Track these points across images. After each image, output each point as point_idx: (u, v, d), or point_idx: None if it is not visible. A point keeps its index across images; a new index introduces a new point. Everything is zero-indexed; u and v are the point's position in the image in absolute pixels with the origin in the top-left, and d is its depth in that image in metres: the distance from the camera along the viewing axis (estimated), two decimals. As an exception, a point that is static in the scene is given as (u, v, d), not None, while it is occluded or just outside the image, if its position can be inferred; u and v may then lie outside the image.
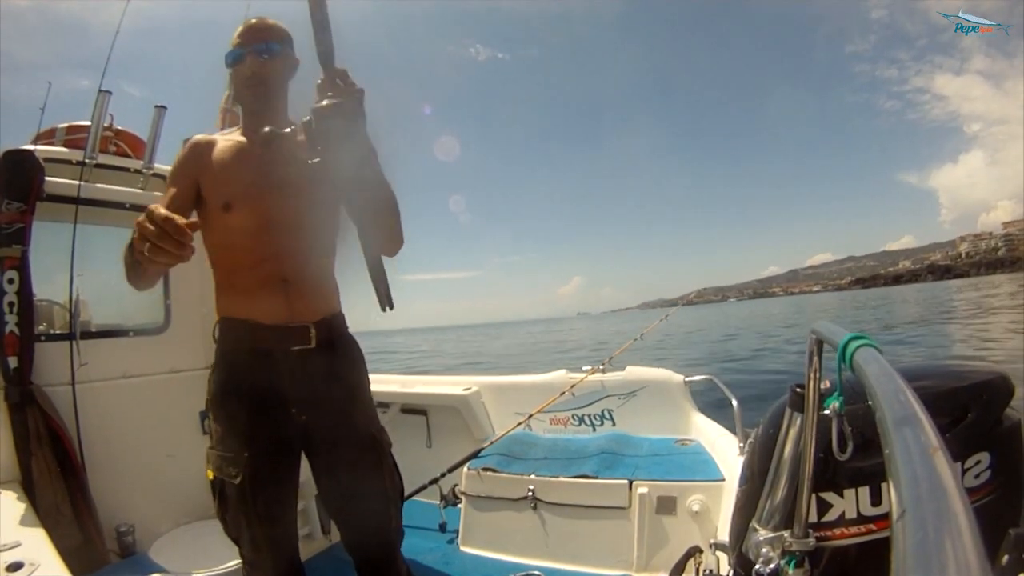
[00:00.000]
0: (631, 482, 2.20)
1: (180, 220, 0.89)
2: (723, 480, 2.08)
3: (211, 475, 1.24)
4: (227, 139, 1.33)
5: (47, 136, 2.46)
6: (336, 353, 1.32)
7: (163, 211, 0.89)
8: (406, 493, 1.48)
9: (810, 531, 0.89)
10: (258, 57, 1.25)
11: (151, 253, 0.90)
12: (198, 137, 1.34)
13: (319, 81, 1.01)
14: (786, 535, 0.91)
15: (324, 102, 0.98)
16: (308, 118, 0.99)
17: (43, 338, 1.94)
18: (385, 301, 1.12)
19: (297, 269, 1.27)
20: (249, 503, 1.21)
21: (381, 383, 3.34)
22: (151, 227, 0.89)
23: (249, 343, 1.25)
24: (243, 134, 1.32)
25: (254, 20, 1.30)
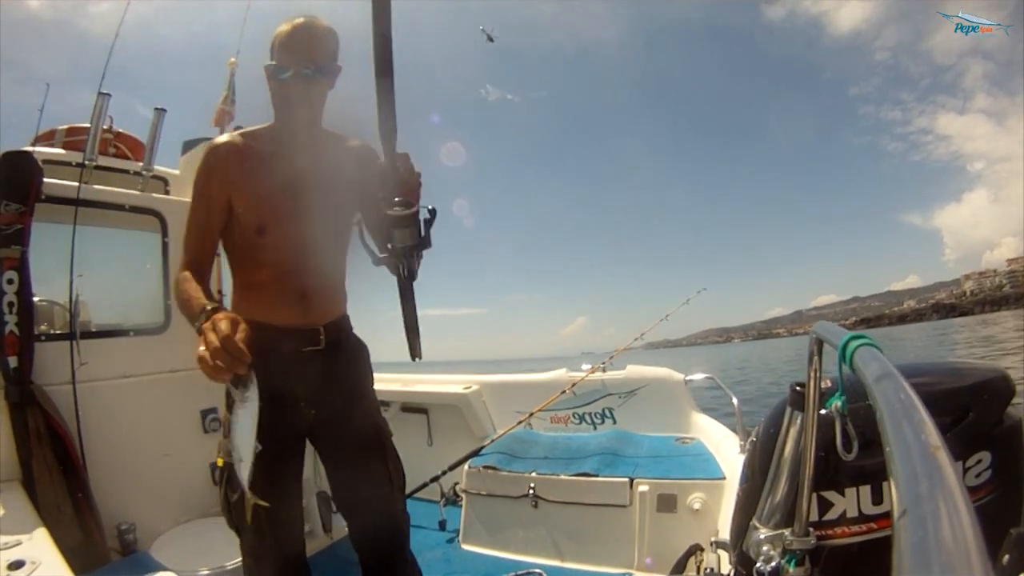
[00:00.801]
0: (632, 480, 2.20)
1: (240, 342, 0.94)
2: (724, 478, 2.08)
3: (220, 462, 1.24)
4: (253, 148, 1.26)
5: (46, 138, 2.45)
6: (342, 352, 1.37)
7: (225, 327, 0.93)
8: (407, 491, 1.50)
9: (811, 529, 0.89)
10: (305, 79, 1.21)
11: (207, 368, 0.92)
12: (221, 142, 1.28)
13: (383, 162, 1.13)
14: (787, 533, 0.91)
15: (397, 210, 1.12)
16: (383, 215, 1.13)
17: (43, 338, 1.94)
18: (416, 353, 1.31)
19: (316, 284, 1.32)
20: (256, 485, 1.19)
21: (382, 382, 3.33)
22: (214, 339, 0.92)
23: (261, 343, 1.25)
24: (271, 138, 1.28)
25: (302, 23, 1.21)
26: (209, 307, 1.04)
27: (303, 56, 1.20)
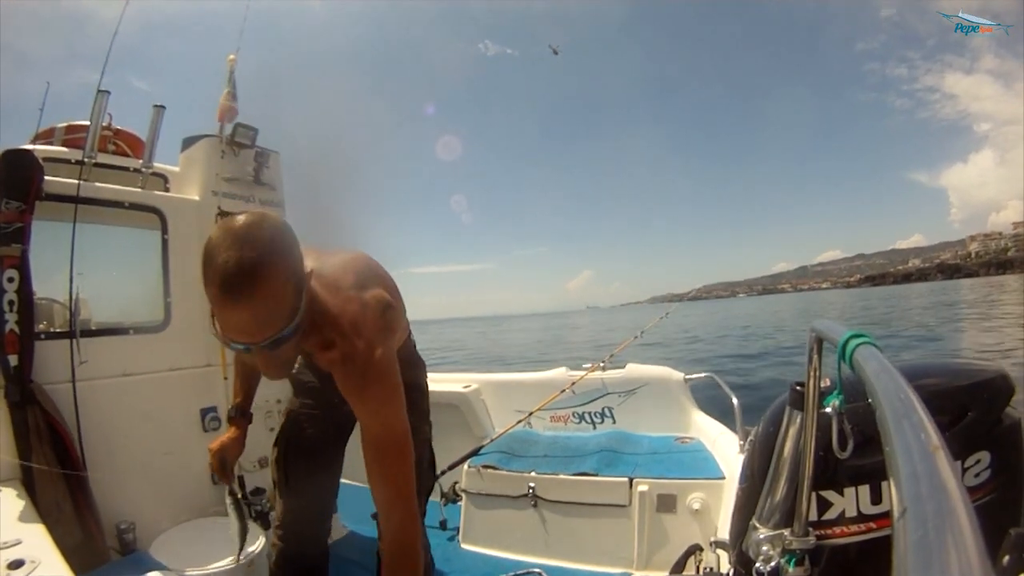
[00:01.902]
0: (631, 480, 2.20)
1: (218, 472, 1.42)
2: (723, 478, 2.08)
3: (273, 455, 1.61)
4: None
5: (46, 135, 2.45)
6: None
7: (212, 461, 1.41)
8: None
9: (810, 529, 0.89)
10: (253, 353, 0.92)
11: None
12: None
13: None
14: (786, 533, 0.91)
15: None
16: None
17: (43, 336, 1.94)
18: None
19: None
20: (283, 441, 1.56)
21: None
22: (210, 465, 1.43)
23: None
24: None
25: (221, 271, 0.82)
26: (227, 417, 1.50)
27: (226, 332, 0.88)
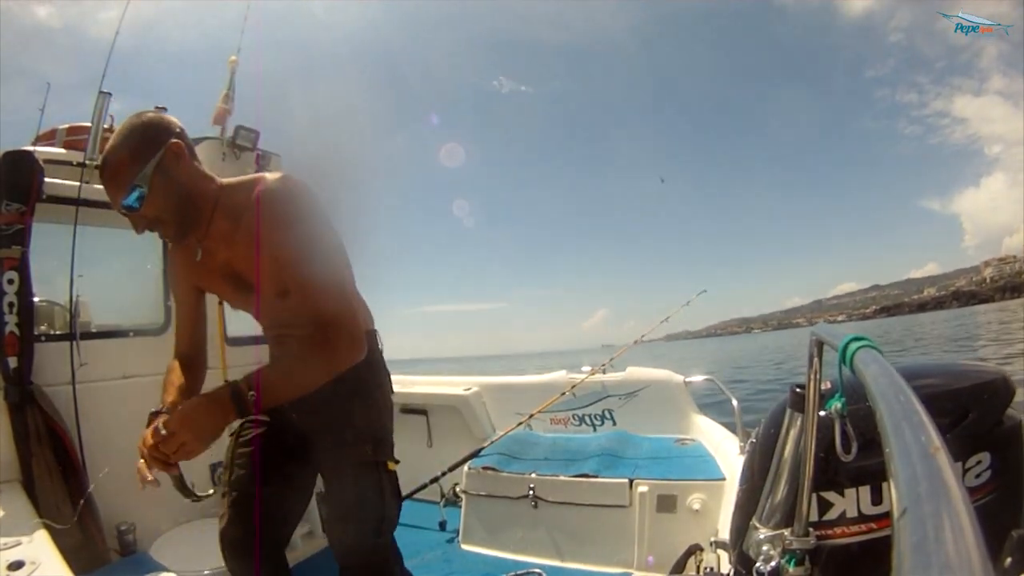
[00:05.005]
0: (631, 481, 2.20)
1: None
2: (723, 479, 2.08)
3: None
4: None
5: (47, 137, 2.45)
6: None
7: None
8: (407, 492, 1.46)
9: (810, 529, 0.89)
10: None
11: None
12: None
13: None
14: (786, 533, 0.91)
15: None
16: None
17: (43, 338, 1.94)
18: None
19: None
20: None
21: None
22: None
23: None
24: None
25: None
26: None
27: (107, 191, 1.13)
